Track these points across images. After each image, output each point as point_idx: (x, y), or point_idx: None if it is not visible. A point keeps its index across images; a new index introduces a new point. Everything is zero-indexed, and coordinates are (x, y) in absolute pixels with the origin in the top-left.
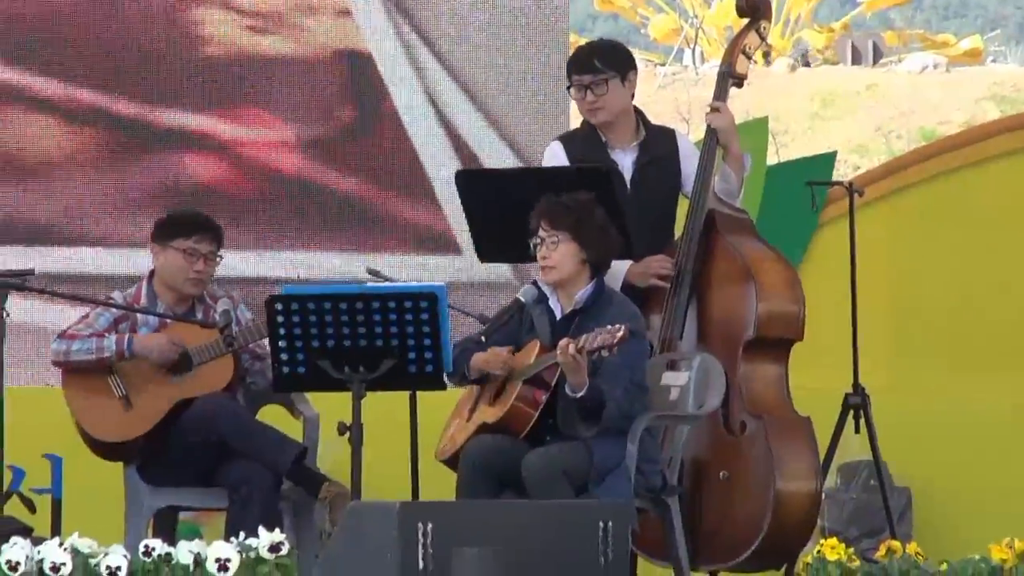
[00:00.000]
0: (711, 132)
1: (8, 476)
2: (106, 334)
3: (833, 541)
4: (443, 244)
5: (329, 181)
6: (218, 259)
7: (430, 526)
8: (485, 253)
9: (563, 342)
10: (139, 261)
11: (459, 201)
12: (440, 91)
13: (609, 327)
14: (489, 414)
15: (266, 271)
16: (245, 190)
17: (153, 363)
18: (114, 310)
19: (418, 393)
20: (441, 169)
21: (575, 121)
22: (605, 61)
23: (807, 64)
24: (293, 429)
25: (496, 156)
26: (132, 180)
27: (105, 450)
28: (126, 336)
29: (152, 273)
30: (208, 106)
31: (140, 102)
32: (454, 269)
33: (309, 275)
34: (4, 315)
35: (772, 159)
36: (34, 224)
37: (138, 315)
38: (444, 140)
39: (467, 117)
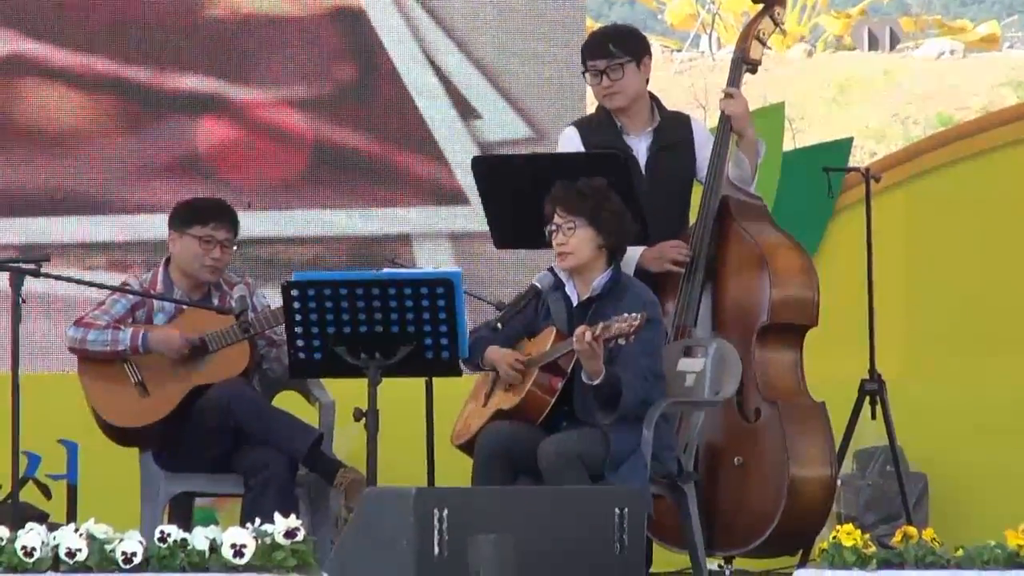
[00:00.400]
0: (725, 118)
1: (24, 462)
2: (122, 326)
3: (849, 527)
4: (451, 195)
5: (336, 139)
6: (234, 247)
7: (446, 512)
8: (501, 239)
9: (580, 330)
10: (157, 226)
11: (462, 151)
12: (452, 70)
13: (626, 315)
14: (505, 400)
15: (280, 231)
16: (255, 151)
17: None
18: (131, 296)
19: (434, 379)
20: (442, 123)
21: (591, 105)
22: (620, 46)
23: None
24: (309, 415)
25: (495, 109)
26: (146, 146)
27: (121, 436)
28: (141, 331)
29: (168, 260)
30: (215, 69)
31: (148, 68)
32: (463, 219)
33: (323, 232)
34: (20, 301)
35: (788, 145)
36: (54, 194)
37: (154, 301)
38: (444, 95)
39: (468, 78)
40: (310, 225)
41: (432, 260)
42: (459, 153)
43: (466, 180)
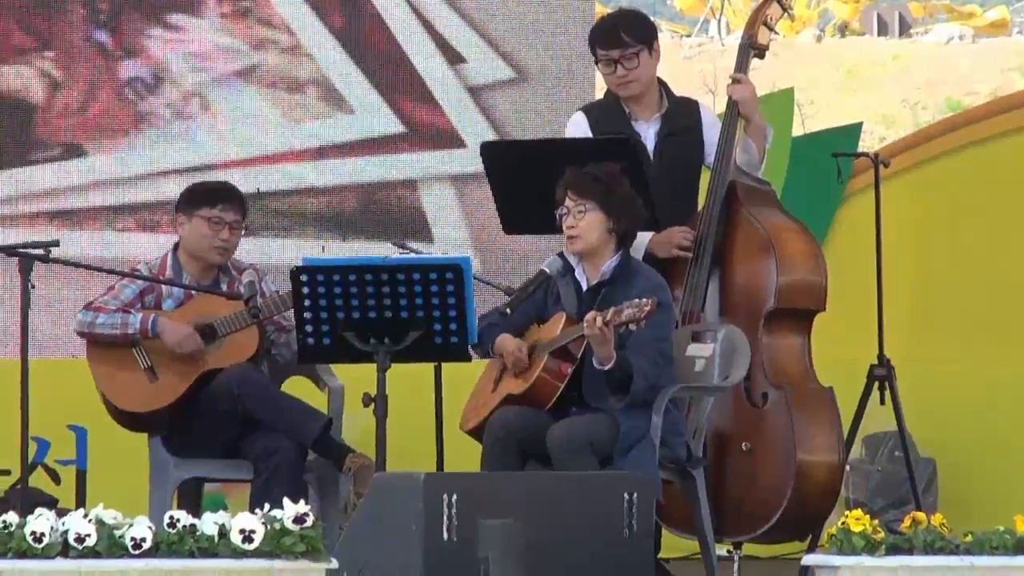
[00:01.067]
0: (732, 103)
1: (33, 448)
2: (131, 310)
3: (858, 512)
4: (447, 139)
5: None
6: (243, 230)
7: (455, 497)
8: (510, 224)
9: (590, 315)
10: None
11: (456, 96)
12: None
13: (637, 300)
14: (515, 385)
15: (280, 183)
16: None
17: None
18: (140, 281)
19: (443, 364)
20: (433, 70)
21: (600, 84)
22: (633, 34)
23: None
24: (318, 400)
25: (485, 59)
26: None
27: (130, 421)
28: (151, 316)
29: (177, 244)
30: (208, 16)
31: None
32: (460, 162)
33: (322, 182)
34: (29, 287)
35: (798, 130)
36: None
37: (163, 286)
38: (430, 44)
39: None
40: (311, 174)
41: (436, 204)
42: (450, 97)
43: (460, 123)
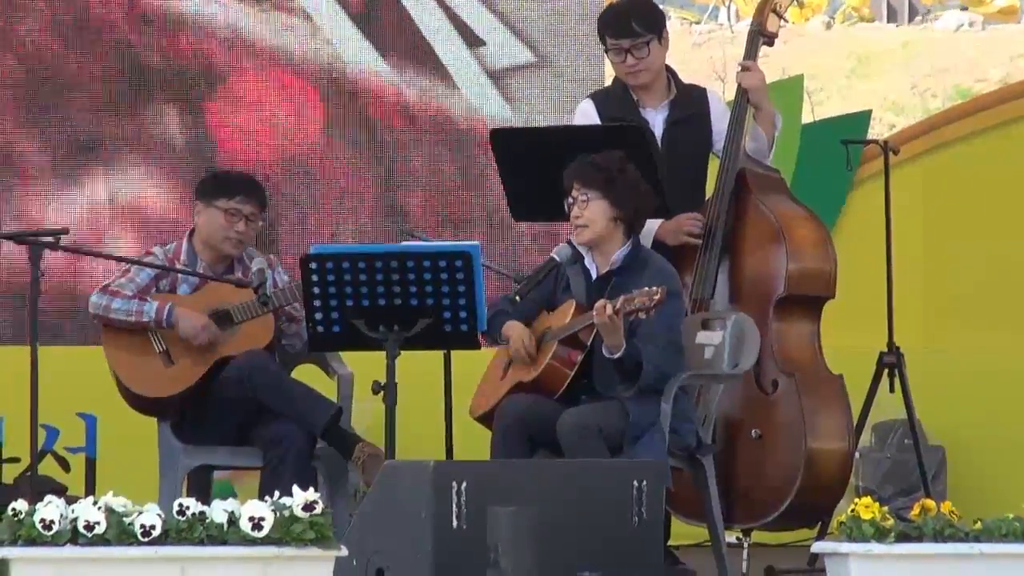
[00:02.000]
0: (742, 91)
1: (42, 435)
2: (147, 297)
3: (867, 500)
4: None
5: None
6: (260, 222)
7: (464, 485)
8: (518, 211)
9: (600, 303)
10: None
11: (476, 80)
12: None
13: (647, 289)
14: (524, 373)
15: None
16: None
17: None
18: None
19: (452, 352)
20: (453, 54)
21: (610, 69)
22: (643, 23)
23: None
24: (327, 388)
25: (498, 36)
26: None
27: (145, 405)
28: (167, 306)
29: (193, 231)
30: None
31: None
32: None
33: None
34: (39, 274)
35: (807, 117)
36: None
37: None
38: (450, 27)
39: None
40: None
41: None
42: (470, 81)
43: (480, 105)
